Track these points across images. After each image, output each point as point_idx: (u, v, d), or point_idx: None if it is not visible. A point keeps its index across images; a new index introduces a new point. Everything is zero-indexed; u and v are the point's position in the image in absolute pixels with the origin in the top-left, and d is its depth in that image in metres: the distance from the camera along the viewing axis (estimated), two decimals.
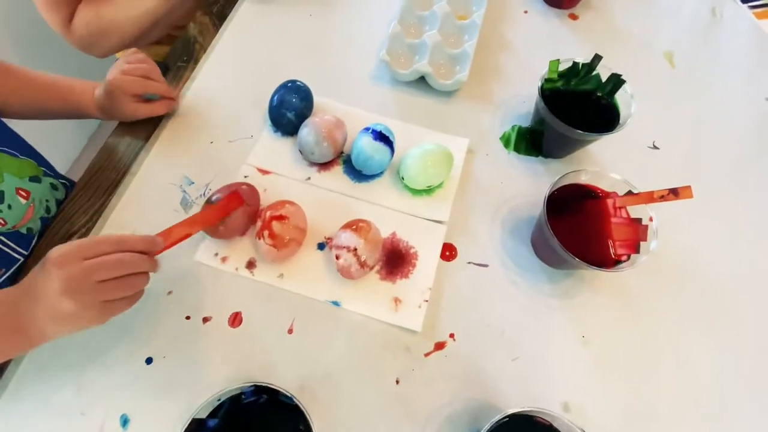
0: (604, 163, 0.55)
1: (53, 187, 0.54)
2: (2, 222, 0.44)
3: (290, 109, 0.52)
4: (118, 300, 0.35)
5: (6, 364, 0.42)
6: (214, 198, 0.46)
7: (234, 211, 0.45)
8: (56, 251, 0.33)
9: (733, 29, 0.67)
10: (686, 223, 0.51)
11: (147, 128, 0.55)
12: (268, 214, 0.45)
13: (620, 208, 0.44)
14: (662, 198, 0.41)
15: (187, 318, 0.45)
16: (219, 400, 0.34)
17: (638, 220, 0.43)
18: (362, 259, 0.43)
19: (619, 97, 0.50)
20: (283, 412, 0.35)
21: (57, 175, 0.56)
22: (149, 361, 0.43)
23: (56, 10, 0.60)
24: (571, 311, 0.46)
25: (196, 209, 0.50)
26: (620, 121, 0.49)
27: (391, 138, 0.50)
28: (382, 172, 0.52)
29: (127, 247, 0.35)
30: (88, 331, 0.43)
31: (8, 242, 0.46)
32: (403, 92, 0.59)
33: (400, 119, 0.56)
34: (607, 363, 0.44)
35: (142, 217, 0.50)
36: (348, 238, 0.43)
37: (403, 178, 0.50)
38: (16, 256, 0.47)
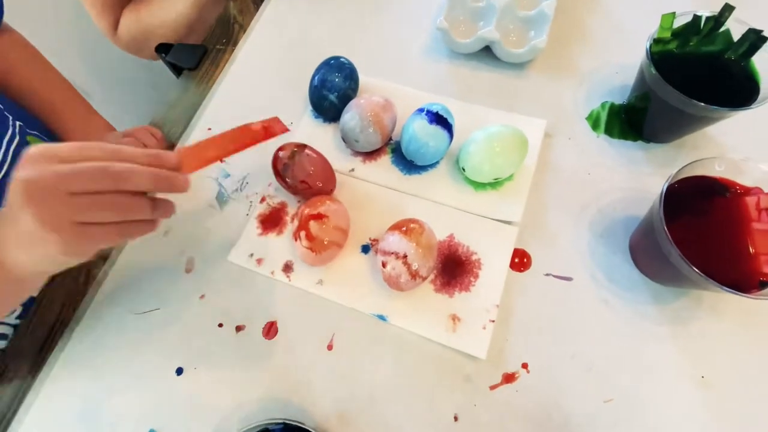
0: (729, 147, 0.43)
1: None
2: None
3: (332, 90, 0.45)
4: (102, 225, 0.26)
5: (38, 371, 0.40)
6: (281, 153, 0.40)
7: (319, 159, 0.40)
8: (33, 148, 0.25)
9: None
10: None
11: (188, 113, 0.52)
12: (305, 211, 0.39)
13: (767, 209, 0.32)
14: None
15: (220, 326, 0.40)
16: None
17: None
18: (413, 268, 0.36)
19: (759, 61, 0.38)
20: None
21: None
22: (179, 371, 0.39)
23: (103, 17, 0.62)
24: (685, 342, 0.36)
25: (232, 205, 0.45)
26: (761, 94, 0.37)
27: (449, 120, 0.41)
28: (438, 162, 0.44)
29: (120, 156, 0.26)
30: (116, 335, 0.41)
31: None
32: (465, 66, 0.50)
33: (461, 98, 0.47)
34: (734, 413, 0.33)
35: (176, 213, 0.46)
36: (396, 243, 0.36)
37: (464, 169, 0.41)
38: None
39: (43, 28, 0.67)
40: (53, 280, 0.44)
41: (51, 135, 0.48)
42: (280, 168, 0.42)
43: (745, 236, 0.32)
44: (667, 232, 0.31)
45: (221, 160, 0.32)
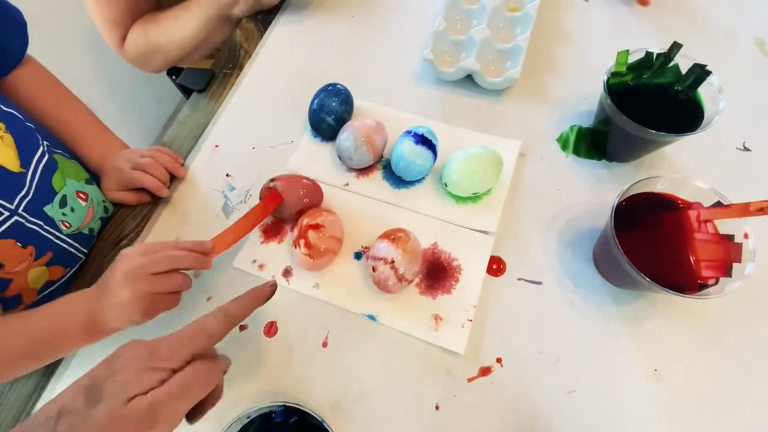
0: (683, 167, 0.48)
1: None
2: (67, 225, 0.46)
3: (329, 114, 0.50)
4: (164, 295, 0.38)
5: (54, 370, 0.44)
6: (272, 184, 0.46)
7: (280, 207, 0.45)
8: (126, 250, 0.39)
9: None
10: None
11: (195, 132, 0.56)
12: (305, 222, 0.43)
13: (706, 221, 0.37)
14: (761, 211, 0.34)
15: None
16: (248, 417, 0.33)
17: (729, 237, 0.36)
18: (400, 272, 0.40)
19: (704, 91, 0.43)
20: None
21: None
22: None
23: (112, 31, 0.66)
24: (641, 339, 0.40)
25: (236, 215, 0.50)
26: (705, 119, 0.42)
27: (433, 141, 0.46)
28: (423, 178, 0.49)
29: (180, 246, 0.39)
30: (129, 336, 0.45)
31: (74, 243, 0.48)
32: (449, 93, 0.55)
33: (446, 121, 0.53)
34: (683, 403, 0.38)
35: (187, 223, 0.50)
36: (385, 249, 0.41)
37: (446, 185, 0.46)
38: (80, 255, 0.49)
39: (56, 53, 0.72)
40: (68, 287, 0.48)
41: (72, 154, 0.52)
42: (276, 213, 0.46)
43: (687, 245, 0.37)
44: (618, 242, 0.36)
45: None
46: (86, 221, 0.49)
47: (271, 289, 0.35)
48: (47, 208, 0.44)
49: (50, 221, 0.44)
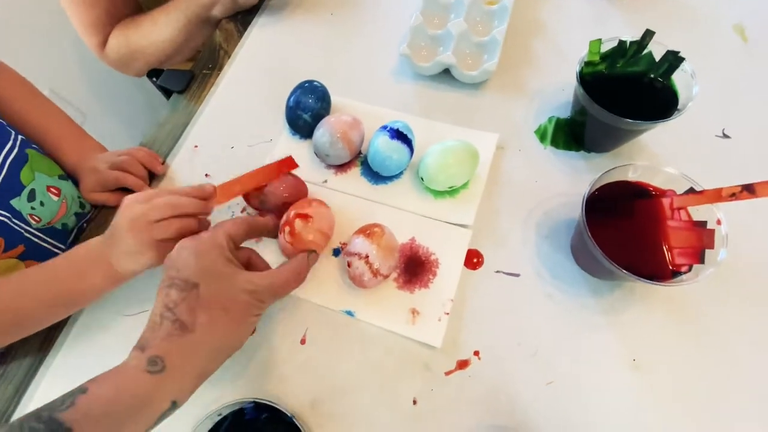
0: (662, 156, 0.48)
1: None
2: (36, 219, 0.47)
3: (306, 111, 0.50)
4: (171, 240, 0.37)
5: (37, 369, 0.44)
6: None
7: (286, 177, 0.46)
8: (126, 198, 0.39)
9: None
10: (765, 227, 0.42)
11: (175, 133, 0.56)
12: (293, 212, 0.43)
13: (679, 209, 0.37)
14: (733, 197, 0.34)
15: None
16: (220, 414, 0.33)
17: (702, 224, 0.36)
18: (375, 267, 0.40)
19: (678, 78, 0.43)
20: (287, 429, 0.33)
21: None
22: None
23: (92, 35, 0.66)
24: (619, 330, 0.40)
25: (215, 214, 0.49)
26: (679, 106, 0.42)
27: (409, 136, 0.46)
28: (401, 173, 0.49)
29: (175, 192, 0.40)
30: (109, 334, 0.45)
31: (45, 237, 0.48)
32: (427, 87, 0.55)
33: (424, 116, 0.52)
34: (661, 391, 0.38)
35: None
36: (360, 245, 0.41)
37: (423, 179, 0.46)
38: (55, 250, 0.49)
39: (36, 55, 0.72)
40: None
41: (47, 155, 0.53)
42: (258, 204, 0.46)
43: (662, 233, 0.37)
44: (590, 233, 0.36)
45: (240, 192, 0.44)
46: (58, 216, 0.49)
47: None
48: (14, 202, 0.45)
49: (18, 214, 0.45)
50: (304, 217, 0.42)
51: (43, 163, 0.49)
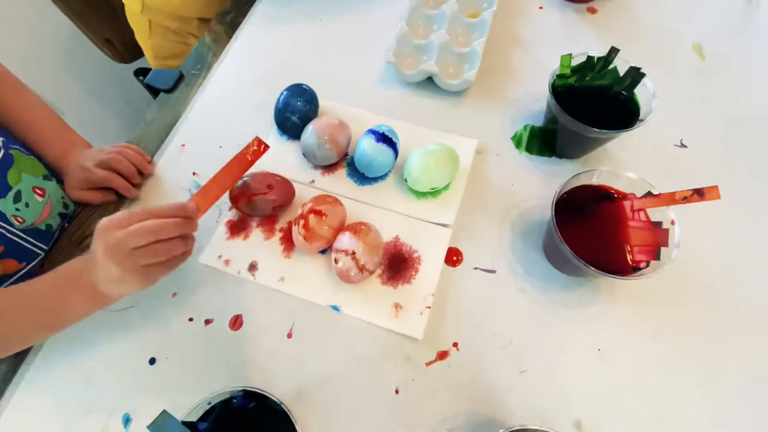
0: (626, 163, 0.51)
1: None
2: (20, 220, 0.46)
3: (294, 113, 0.52)
4: (156, 264, 0.37)
5: (20, 361, 0.44)
6: (240, 182, 0.47)
7: (253, 203, 0.46)
8: (101, 222, 0.37)
9: None
10: (716, 228, 0.47)
11: (162, 132, 0.57)
12: (309, 206, 0.45)
13: (639, 210, 0.41)
14: (685, 200, 0.37)
15: (190, 320, 0.45)
16: (209, 403, 0.34)
17: (658, 224, 0.40)
18: (361, 263, 0.42)
19: (640, 92, 0.47)
20: (275, 418, 0.34)
21: None
22: (152, 361, 0.43)
23: None
24: (586, 322, 0.43)
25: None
26: (641, 117, 0.46)
27: (394, 139, 0.48)
28: (386, 175, 0.51)
29: (155, 215, 0.37)
30: (94, 330, 0.45)
31: (28, 238, 0.48)
32: (411, 94, 0.58)
33: (408, 121, 0.55)
34: (624, 379, 0.41)
35: None
36: (347, 242, 0.43)
37: (406, 180, 0.49)
38: (37, 251, 0.49)
39: (19, 47, 0.70)
40: None
41: (31, 151, 0.52)
42: (248, 209, 0.47)
43: (623, 233, 0.41)
44: (559, 232, 0.39)
45: (222, 194, 0.42)
46: (42, 217, 0.49)
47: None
48: None
49: (2, 216, 0.45)
50: (319, 213, 0.44)
51: (29, 164, 0.49)
